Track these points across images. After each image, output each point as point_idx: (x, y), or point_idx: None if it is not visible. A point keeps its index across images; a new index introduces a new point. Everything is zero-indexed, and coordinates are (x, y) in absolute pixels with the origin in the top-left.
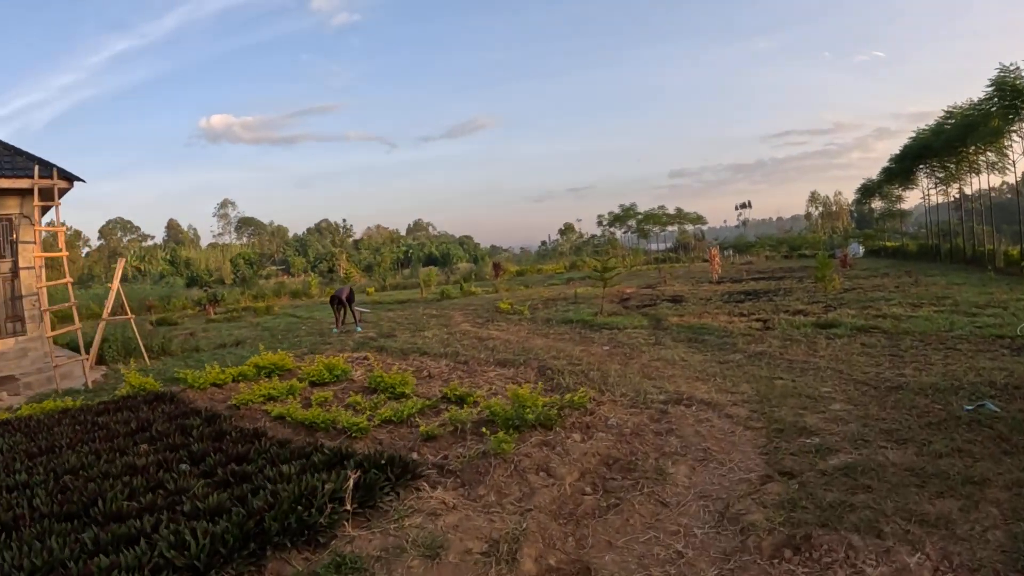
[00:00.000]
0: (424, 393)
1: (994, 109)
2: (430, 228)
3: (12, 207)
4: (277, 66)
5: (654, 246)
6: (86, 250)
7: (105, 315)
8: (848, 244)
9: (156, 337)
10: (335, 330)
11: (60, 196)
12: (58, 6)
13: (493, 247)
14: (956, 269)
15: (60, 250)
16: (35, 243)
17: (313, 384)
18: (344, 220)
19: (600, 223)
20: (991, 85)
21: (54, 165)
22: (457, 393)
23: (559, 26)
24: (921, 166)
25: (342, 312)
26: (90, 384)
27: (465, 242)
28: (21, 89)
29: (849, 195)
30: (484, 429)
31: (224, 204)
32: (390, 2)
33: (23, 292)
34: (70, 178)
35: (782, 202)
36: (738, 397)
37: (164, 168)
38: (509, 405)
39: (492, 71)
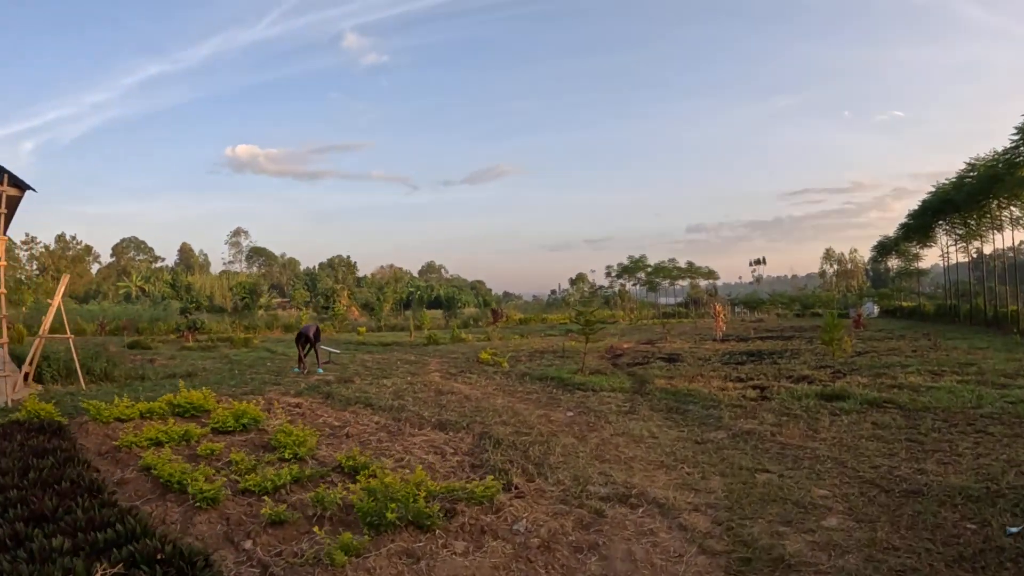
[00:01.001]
0: (324, 457)
1: (1020, 159)
2: (442, 271)
3: None
4: (305, 101)
5: (665, 300)
6: (96, 266)
7: (42, 332)
8: (862, 303)
9: (100, 360)
10: (296, 369)
11: (10, 204)
12: (97, 26)
13: (506, 293)
14: (977, 332)
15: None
16: None
17: (216, 431)
18: (348, 256)
19: (609, 274)
20: (1017, 133)
21: (5, 171)
22: (353, 463)
23: (583, 78)
24: (940, 222)
25: (306, 350)
26: (10, 403)
27: (477, 287)
28: (54, 102)
29: (865, 253)
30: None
31: (236, 232)
32: (418, 46)
33: None
34: (21, 186)
35: (797, 259)
36: (703, 498)
37: (186, 193)
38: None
39: (515, 119)
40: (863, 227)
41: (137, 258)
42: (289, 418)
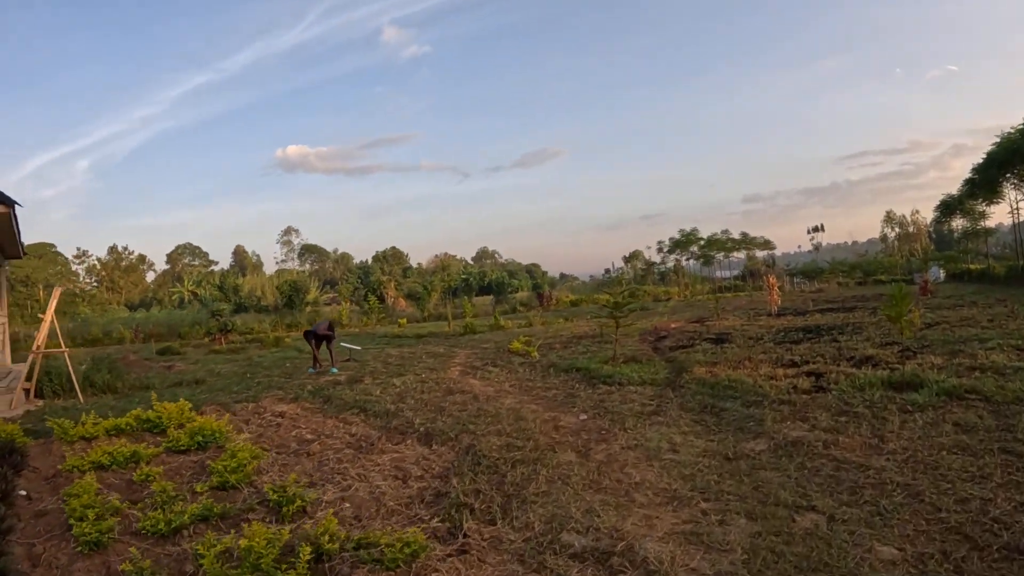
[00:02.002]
0: (267, 482)
1: None
2: (496, 256)
3: None
4: (351, 98)
5: (721, 273)
6: (152, 274)
7: (35, 346)
8: (928, 268)
9: (101, 372)
10: (311, 370)
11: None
12: (140, 44)
13: (562, 275)
14: None
15: None
16: None
17: (171, 451)
18: (398, 248)
19: (661, 249)
20: None
21: None
22: (280, 496)
23: (627, 54)
24: (1008, 175)
25: (320, 349)
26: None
27: (532, 270)
28: (104, 120)
29: (928, 214)
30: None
31: (287, 231)
32: (458, 34)
33: None
34: (6, 202)
35: (856, 225)
36: (715, 561)
37: (238, 197)
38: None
39: (562, 100)
40: (922, 188)
41: (193, 263)
42: (260, 432)
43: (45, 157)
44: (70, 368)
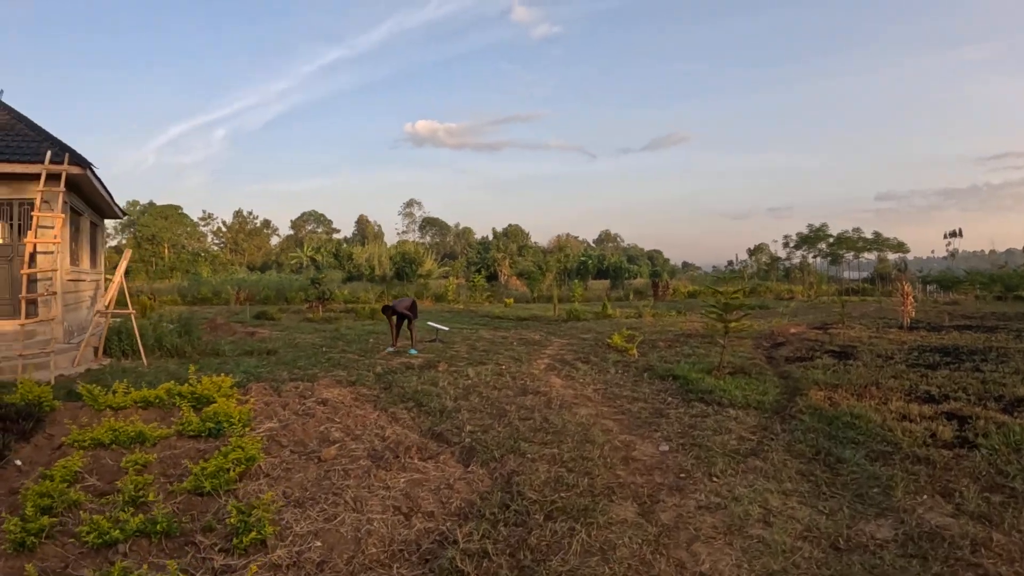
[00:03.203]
0: (251, 494)
1: None
2: (618, 239)
3: (34, 191)
4: (480, 75)
5: (849, 274)
6: (275, 239)
7: (100, 307)
8: None
9: (171, 336)
10: (390, 348)
11: (78, 183)
12: (278, 20)
13: (684, 264)
14: None
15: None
16: (53, 228)
17: (181, 435)
18: (519, 225)
19: (787, 244)
20: None
21: (68, 150)
22: (242, 519)
23: (761, 37)
24: None
25: (402, 327)
26: (53, 380)
27: (655, 256)
28: (241, 92)
29: None
30: None
31: (409, 204)
32: (589, 13)
33: (38, 276)
34: (82, 164)
35: (997, 232)
36: None
37: (366, 168)
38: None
39: (694, 83)
40: None
41: (316, 230)
42: (288, 421)
43: (184, 126)
44: (135, 330)
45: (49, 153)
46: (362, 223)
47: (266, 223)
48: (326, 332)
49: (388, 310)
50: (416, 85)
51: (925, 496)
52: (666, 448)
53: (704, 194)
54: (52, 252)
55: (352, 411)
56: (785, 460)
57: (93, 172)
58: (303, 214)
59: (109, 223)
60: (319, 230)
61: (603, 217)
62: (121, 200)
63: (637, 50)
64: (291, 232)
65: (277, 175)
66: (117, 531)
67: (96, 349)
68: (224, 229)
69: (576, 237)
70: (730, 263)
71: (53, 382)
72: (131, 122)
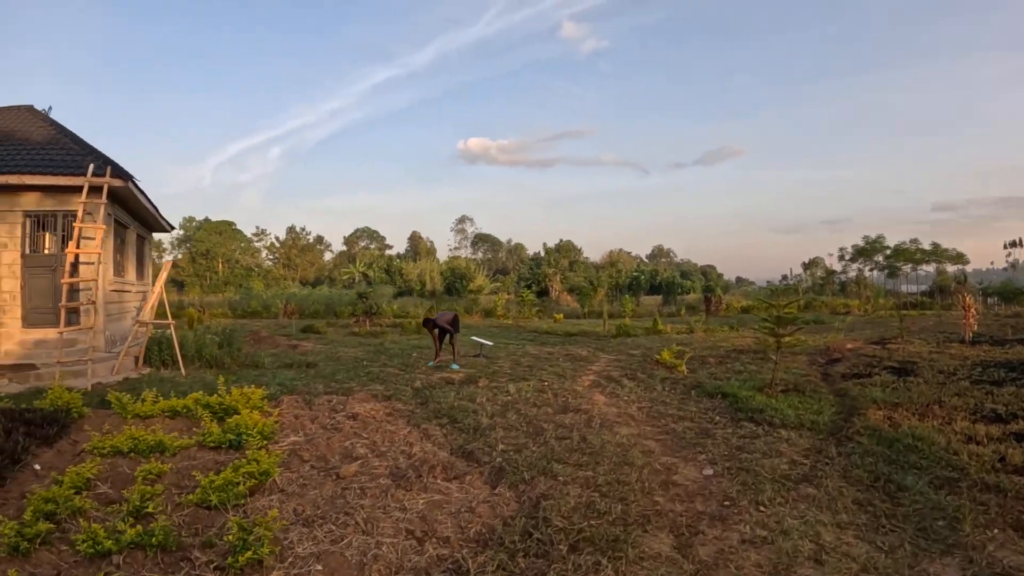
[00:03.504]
0: (260, 509)
1: None
2: (671, 255)
3: (77, 203)
4: (531, 92)
5: (907, 287)
6: (328, 255)
7: (141, 318)
8: None
9: (210, 347)
10: (431, 363)
11: (121, 195)
12: (329, 41)
13: (738, 279)
14: None
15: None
16: (95, 239)
17: (202, 446)
18: (571, 241)
19: (842, 257)
20: None
21: (110, 163)
22: (241, 536)
23: (812, 47)
24: None
25: (444, 341)
26: (90, 387)
27: (708, 272)
28: (294, 111)
29: None
30: None
31: (462, 220)
32: (636, 28)
33: (80, 286)
34: (124, 176)
35: None
36: None
37: (419, 185)
38: None
39: (746, 96)
40: None
41: (369, 246)
42: (313, 435)
43: (241, 145)
44: (174, 341)
45: (92, 166)
46: (414, 239)
47: (319, 239)
48: (370, 346)
49: (429, 323)
50: (468, 103)
51: (996, 530)
52: (710, 472)
53: (758, 208)
54: (93, 263)
55: (382, 426)
56: (841, 487)
57: (135, 185)
58: (356, 230)
59: (166, 239)
60: (372, 246)
61: (656, 232)
62: (177, 216)
63: (687, 64)
64: (344, 248)
65: (330, 192)
66: (111, 542)
67: (137, 359)
68: (277, 245)
69: (629, 252)
70: (784, 277)
71: (89, 389)
72: (192, 143)
